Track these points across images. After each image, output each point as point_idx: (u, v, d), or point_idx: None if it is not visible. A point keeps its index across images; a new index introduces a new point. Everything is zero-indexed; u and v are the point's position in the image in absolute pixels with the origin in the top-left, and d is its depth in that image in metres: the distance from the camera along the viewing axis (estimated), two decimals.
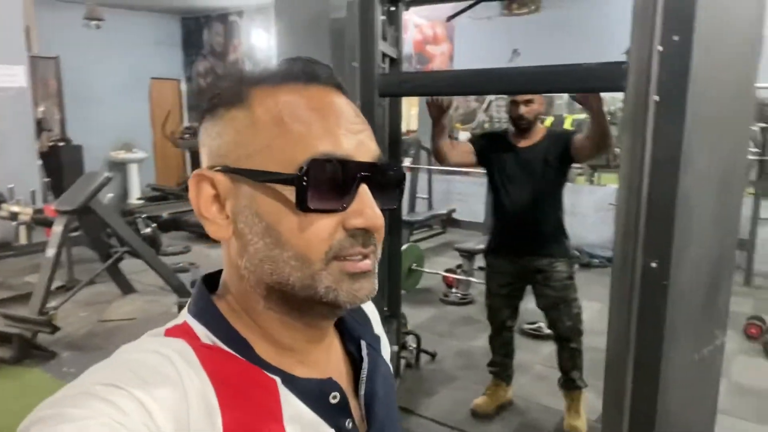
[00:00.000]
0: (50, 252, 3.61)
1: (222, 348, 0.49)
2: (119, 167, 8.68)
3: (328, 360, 0.56)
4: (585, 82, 1.71)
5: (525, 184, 2.53)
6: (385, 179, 0.51)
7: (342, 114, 0.49)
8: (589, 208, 5.91)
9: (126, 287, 4.48)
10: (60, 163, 7.24)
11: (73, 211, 3.74)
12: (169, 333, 0.50)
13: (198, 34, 9.44)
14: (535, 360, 3.42)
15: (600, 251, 5.54)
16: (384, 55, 2.33)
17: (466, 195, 6.59)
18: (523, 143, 2.54)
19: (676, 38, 1.45)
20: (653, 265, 1.56)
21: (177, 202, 7.75)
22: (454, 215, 6.72)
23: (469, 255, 4.41)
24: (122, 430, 0.38)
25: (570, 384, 2.68)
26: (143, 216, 5.37)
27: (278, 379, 0.49)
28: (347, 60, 2.14)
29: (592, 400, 2.86)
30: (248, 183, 0.48)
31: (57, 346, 3.49)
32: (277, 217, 0.48)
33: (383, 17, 2.39)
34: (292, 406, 0.49)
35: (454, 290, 4.45)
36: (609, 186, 6.34)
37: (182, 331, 0.50)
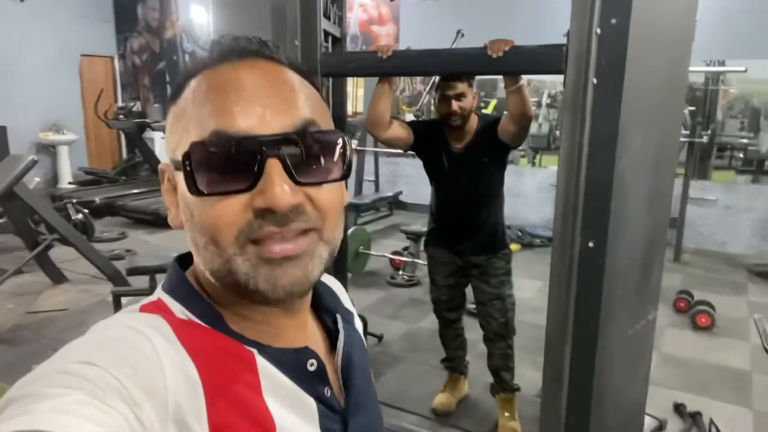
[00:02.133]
0: None
1: (198, 323, 0.49)
2: (48, 150, 8.21)
3: (304, 333, 0.56)
4: (526, 64, 1.72)
5: (459, 187, 2.44)
6: (312, 150, 0.47)
7: (243, 89, 0.46)
8: (531, 189, 6.06)
9: (56, 276, 4.26)
10: None
11: None
12: (144, 309, 0.50)
13: (132, 8, 8.96)
14: (479, 338, 3.49)
15: (541, 231, 5.70)
16: (327, 33, 2.27)
17: (413, 177, 6.63)
18: (457, 144, 2.41)
19: (614, 21, 1.47)
20: (590, 244, 1.60)
21: (112, 186, 7.41)
22: (401, 198, 6.75)
23: (415, 237, 4.44)
24: (99, 406, 0.38)
25: (503, 386, 2.63)
26: (74, 201, 5.10)
27: (255, 351, 0.49)
28: (289, 38, 2.07)
29: (533, 377, 2.96)
30: (176, 173, 0.49)
31: None
32: (190, 204, 0.48)
33: None
34: (270, 376, 0.49)
35: (401, 272, 4.47)
36: (550, 167, 6.52)
37: (157, 308, 0.50)
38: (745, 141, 5.73)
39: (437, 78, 2.47)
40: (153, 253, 4.27)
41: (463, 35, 3.23)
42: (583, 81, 1.52)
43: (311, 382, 0.52)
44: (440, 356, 2.84)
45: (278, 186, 0.44)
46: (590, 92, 1.52)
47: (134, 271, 3.26)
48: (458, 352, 2.77)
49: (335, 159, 0.49)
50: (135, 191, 6.83)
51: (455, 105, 2.29)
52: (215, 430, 0.44)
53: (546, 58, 1.62)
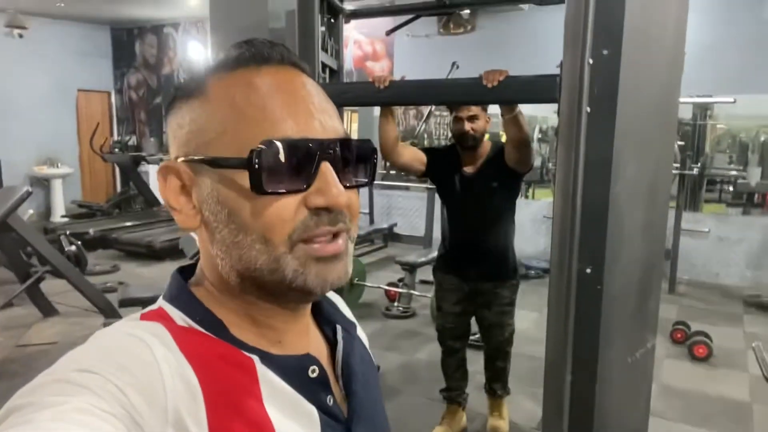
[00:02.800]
0: None
1: (198, 330, 0.49)
2: (42, 183, 8.20)
3: (307, 341, 0.56)
4: (521, 93, 1.76)
5: (471, 212, 2.49)
6: (352, 156, 0.50)
7: (297, 93, 0.49)
8: (525, 220, 6.09)
9: (47, 309, 4.20)
10: None
11: None
12: (144, 317, 0.50)
13: (129, 45, 9.11)
14: (479, 369, 3.45)
15: (536, 262, 5.70)
16: (324, 66, 2.32)
17: (407, 209, 6.65)
18: (469, 168, 2.47)
19: (605, 52, 1.51)
20: (588, 270, 1.60)
21: (105, 219, 7.38)
22: (396, 230, 6.75)
23: (410, 268, 4.42)
24: (99, 414, 0.38)
25: (493, 392, 2.73)
26: (67, 233, 5.08)
27: (256, 358, 0.49)
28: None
29: (531, 408, 2.91)
30: (209, 171, 0.48)
31: None
32: (237, 202, 0.47)
33: (323, 29, 2.38)
34: (270, 383, 0.48)
35: (396, 304, 4.44)
36: (543, 200, 6.57)
37: (158, 316, 0.50)
38: (734, 173, 5.82)
39: (432, 108, 2.52)
40: (146, 285, 4.23)
41: (458, 67, 3.30)
42: (576, 110, 1.55)
43: (313, 389, 0.51)
44: (438, 388, 2.80)
45: (336, 186, 0.47)
46: (584, 120, 1.55)
47: (126, 303, 3.23)
48: (459, 383, 2.74)
49: (367, 165, 0.53)
50: (128, 224, 6.81)
51: (468, 126, 2.37)
52: None
53: (540, 88, 1.65)
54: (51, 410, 0.37)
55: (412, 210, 6.52)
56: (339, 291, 2.29)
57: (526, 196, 6.66)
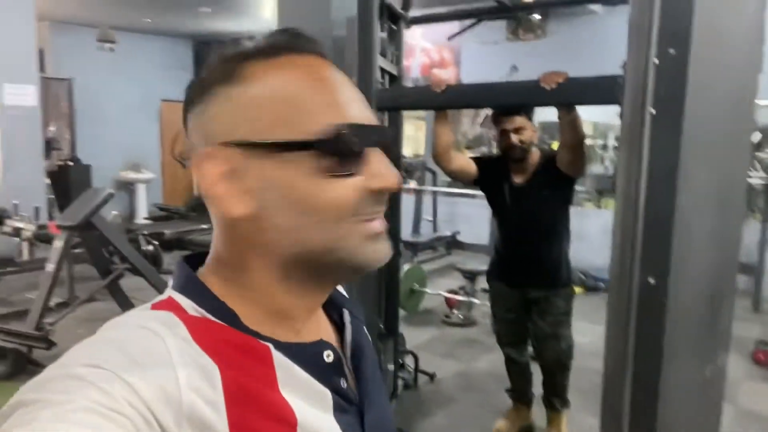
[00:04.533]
0: (50, 267, 3.61)
1: (211, 319, 0.49)
2: (127, 187, 8.75)
3: (318, 327, 0.56)
4: (580, 95, 1.71)
5: (521, 222, 2.45)
6: (385, 143, 0.53)
7: (343, 82, 0.51)
8: (596, 232, 5.85)
9: (126, 304, 4.45)
10: (68, 183, 7.30)
11: (74, 227, 3.75)
12: (155, 307, 0.50)
13: (209, 57, 9.56)
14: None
15: (606, 275, 5.47)
16: (384, 71, 2.34)
17: (471, 217, 6.57)
18: (518, 179, 2.44)
19: (672, 51, 1.44)
20: (651, 281, 1.52)
21: (182, 221, 7.78)
22: (459, 237, 6.69)
23: (471, 276, 4.37)
24: (105, 412, 0.37)
25: (550, 405, 2.65)
26: (145, 233, 5.38)
27: (271, 345, 0.49)
28: (346, 74, 2.15)
29: (594, 425, 2.79)
30: (265, 156, 0.47)
31: (52, 362, 3.38)
32: (301, 185, 0.47)
33: (383, 34, 2.41)
34: (286, 370, 0.49)
35: (456, 312, 4.39)
36: (612, 209, 6.29)
37: (168, 305, 0.49)
38: None
39: (489, 112, 2.48)
40: None
41: (517, 70, 3.23)
42: (640, 112, 1.48)
43: (328, 374, 0.52)
44: (495, 398, 2.79)
45: (392, 170, 0.50)
46: (648, 123, 1.48)
47: None
48: (522, 385, 2.73)
49: (391, 154, 0.55)
50: (203, 226, 7.13)
51: (514, 138, 2.33)
52: (235, 425, 0.44)
53: (600, 89, 1.60)
54: (55, 409, 0.37)
55: (475, 218, 6.43)
56: (396, 296, 2.30)
57: (598, 206, 6.41)
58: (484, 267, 4.41)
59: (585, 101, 1.90)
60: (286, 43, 0.51)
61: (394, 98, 2.09)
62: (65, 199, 6.60)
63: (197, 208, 8.60)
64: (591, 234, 5.83)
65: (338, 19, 2.66)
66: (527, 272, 2.49)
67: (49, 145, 6.96)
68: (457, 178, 2.57)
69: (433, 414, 2.97)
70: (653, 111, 1.47)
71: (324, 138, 0.47)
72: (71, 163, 7.74)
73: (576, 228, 2.53)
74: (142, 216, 8.61)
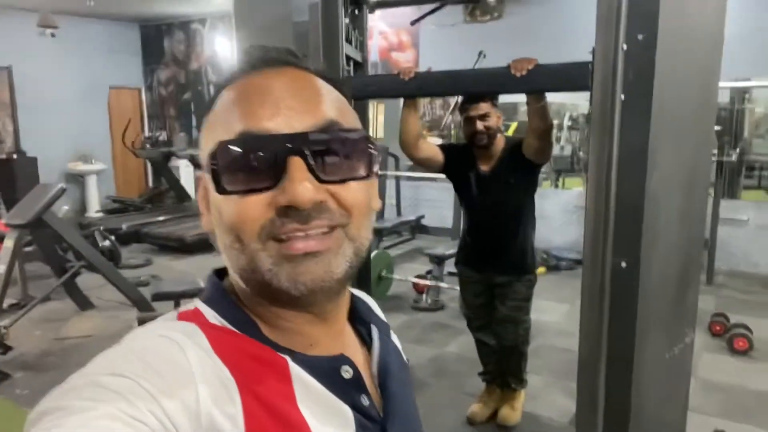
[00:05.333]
0: (0, 268, 3.44)
1: (231, 329, 0.49)
2: (77, 179, 8.40)
3: (340, 343, 0.55)
4: (552, 82, 1.71)
5: (487, 209, 2.48)
6: (332, 148, 0.47)
7: (270, 93, 0.48)
8: (556, 211, 5.98)
9: (83, 303, 4.31)
10: (14, 176, 6.95)
11: (25, 225, 3.58)
12: (181, 317, 0.50)
13: (158, 41, 9.24)
14: None
15: (567, 254, 5.60)
16: (348, 58, 2.29)
17: (435, 201, 6.60)
18: (484, 166, 2.45)
19: (640, 37, 1.45)
20: (623, 264, 1.55)
21: (138, 213, 7.54)
22: (423, 221, 6.72)
23: (438, 260, 4.39)
24: (129, 421, 0.38)
25: (506, 384, 2.70)
26: (101, 228, 5.19)
27: (288, 358, 0.48)
28: (311, 63, 2.09)
29: (564, 403, 2.86)
30: (207, 177, 0.50)
31: (10, 366, 3.31)
32: (217, 204, 0.49)
33: (347, 20, 2.35)
34: (304, 384, 0.48)
35: (424, 296, 4.42)
36: (574, 189, 6.44)
37: (194, 315, 0.50)
38: None
39: (459, 99, 2.47)
40: (178, 278, 4.29)
41: (485, 56, 3.24)
42: (610, 97, 1.49)
43: (347, 390, 0.50)
44: (468, 382, 2.82)
45: (300, 183, 0.45)
46: (618, 108, 1.49)
47: (159, 297, 3.28)
48: (495, 367, 2.76)
49: (359, 157, 0.49)
50: (161, 218, 6.93)
51: (480, 125, 2.33)
52: None
53: (572, 75, 1.60)
54: (80, 416, 0.37)
55: (439, 201, 6.46)
56: (367, 283, 2.26)
57: (556, 186, 6.54)
58: (451, 251, 4.46)
59: (556, 88, 1.90)
60: (244, 63, 0.51)
61: (362, 86, 2.05)
62: (11, 194, 6.29)
63: (153, 200, 8.35)
64: (551, 214, 5.95)
65: (300, 4, 2.58)
66: (494, 259, 2.52)
67: None
68: (425, 166, 2.56)
69: None
70: (623, 96, 1.49)
71: (210, 156, 0.47)
72: (15, 156, 7.38)
73: (536, 208, 2.58)
74: (94, 209, 8.29)
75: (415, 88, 1.88)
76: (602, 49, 1.49)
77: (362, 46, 2.45)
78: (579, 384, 1.68)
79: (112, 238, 4.93)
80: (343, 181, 0.48)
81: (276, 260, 0.46)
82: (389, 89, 2.00)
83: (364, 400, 0.51)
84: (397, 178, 6.68)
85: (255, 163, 0.45)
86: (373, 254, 4.36)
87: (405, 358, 0.65)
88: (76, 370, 0.43)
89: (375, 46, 7.01)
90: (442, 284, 4.36)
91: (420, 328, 4.01)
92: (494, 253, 2.52)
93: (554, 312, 4.16)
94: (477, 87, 1.88)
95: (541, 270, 5.02)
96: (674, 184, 1.58)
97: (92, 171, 8.45)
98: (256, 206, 0.46)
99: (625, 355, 1.58)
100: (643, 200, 1.49)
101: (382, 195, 6.46)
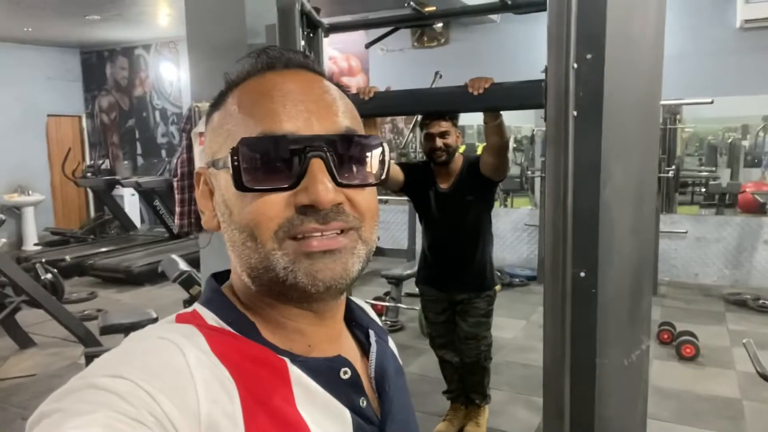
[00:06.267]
0: None
1: (230, 331, 0.49)
2: (13, 212, 7.98)
3: (338, 345, 0.55)
4: (508, 99, 1.77)
5: (447, 226, 2.52)
6: (349, 153, 0.49)
7: (290, 94, 0.49)
8: (507, 229, 6.12)
9: (24, 341, 4.05)
10: None
11: None
12: (179, 319, 0.50)
13: (100, 68, 8.98)
14: None
15: (519, 270, 5.72)
16: None
17: (389, 223, 6.63)
18: (443, 184, 2.50)
19: (589, 56, 1.52)
20: (582, 274, 1.60)
21: (80, 245, 7.21)
22: (378, 244, 6.72)
23: (396, 282, 4.40)
24: (128, 422, 0.38)
25: (470, 401, 2.72)
26: (42, 261, 4.93)
27: (287, 360, 0.48)
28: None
29: (527, 417, 2.89)
30: (216, 175, 0.51)
31: None
32: (231, 201, 0.49)
33: (303, 43, 2.36)
34: (303, 386, 0.48)
35: (383, 318, 4.40)
36: (523, 208, 6.61)
37: (192, 318, 0.50)
38: (705, 175, 5.96)
39: (419, 117, 2.52)
40: (126, 311, 4.11)
41: (441, 76, 3.31)
42: (563, 114, 1.56)
43: (345, 391, 0.51)
44: (432, 402, 2.81)
45: (322, 183, 0.46)
46: (571, 124, 1.55)
47: (108, 330, 3.13)
48: (459, 385, 2.77)
49: (375, 164, 0.51)
50: (104, 249, 6.65)
51: (439, 142, 2.38)
52: None
53: (526, 93, 1.66)
54: (79, 419, 0.37)
55: (393, 223, 6.50)
56: None
57: (505, 205, 6.69)
58: (408, 271, 4.48)
59: (511, 106, 1.97)
60: (258, 63, 0.52)
61: None
62: None
63: (95, 230, 8.01)
64: (502, 232, 6.08)
65: (254, 26, 2.58)
66: (454, 276, 2.55)
67: None
68: (386, 187, 2.58)
69: None
70: (575, 113, 1.55)
71: (232, 153, 0.47)
72: None
73: None
74: (32, 242, 7.87)
75: (375, 107, 1.91)
76: (554, 68, 1.55)
77: (318, 66, 2.47)
78: (545, 394, 1.70)
79: (54, 271, 4.68)
80: (359, 186, 0.49)
81: (293, 258, 0.47)
82: None
83: (362, 402, 0.52)
84: None
85: (277, 162, 0.46)
86: None
87: (401, 362, 0.65)
88: (17, 411, 0.41)
89: (327, 70, 7.06)
90: (401, 305, 4.36)
91: None
92: (454, 270, 2.54)
93: (511, 328, 4.23)
94: (436, 105, 1.92)
95: (496, 287, 5.10)
96: (625, 197, 1.65)
97: (29, 202, 8.04)
98: (275, 205, 0.47)
99: (588, 363, 1.62)
100: (598, 212, 1.55)
101: None
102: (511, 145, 6.55)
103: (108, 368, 0.42)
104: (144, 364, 0.42)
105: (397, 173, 2.53)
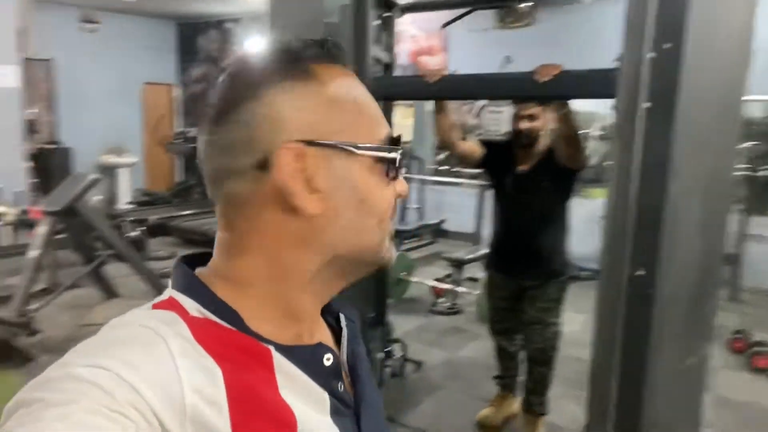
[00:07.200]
0: (33, 253, 3.55)
1: (213, 320, 0.48)
2: (109, 171, 8.61)
3: (318, 331, 0.57)
4: (575, 88, 1.71)
5: (521, 210, 2.49)
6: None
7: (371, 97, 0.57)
8: (579, 221, 5.92)
9: (109, 291, 4.42)
10: (49, 166, 7.16)
11: (58, 213, 3.69)
12: (156, 307, 0.49)
13: (193, 39, 9.43)
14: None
15: (588, 264, 5.54)
16: (377, 60, 2.33)
17: (457, 206, 6.59)
18: (522, 166, 2.46)
19: (667, 46, 1.45)
20: (640, 273, 1.55)
21: (166, 207, 7.69)
22: (444, 226, 6.71)
23: (458, 265, 4.40)
24: (108, 414, 0.37)
25: (528, 407, 2.62)
26: (129, 219, 5.32)
27: (272, 348, 0.49)
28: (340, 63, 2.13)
29: (576, 412, 2.84)
30: (339, 157, 0.50)
31: (35, 349, 3.42)
32: (370, 187, 0.52)
33: (377, 22, 2.39)
34: (286, 373, 0.49)
35: (442, 300, 4.42)
36: (598, 199, 6.36)
37: (170, 305, 0.49)
38: None
39: (486, 103, 2.49)
40: None
41: (511, 61, 3.24)
42: (634, 105, 1.50)
43: (326, 377, 0.52)
44: (480, 387, 2.81)
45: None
46: (641, 116, 1.49)
47: None
48: (510, 372, 2.75)
49: None
50: (187, 212, 7.06)
51: (525, 124, 2.37)
52: (238, 427, 0.44)
53: (596, 83, 1.61)
54: (58, 410, 0.37)
55: (462, 206, 6.45)
56: (386, 284, 2.29)
57: (581, 196, 6.47)
58: (471, 255, 4.46)
59: (579, 95, 1.91)
60: (335, 53, 0.53)
61: (388, 87, 2.08)
62: (46, 183, 6.49)
63: (181, 194, 8.51)
64: (574, 223, 5.90)
65: (330, 5, 2.63)
66: (524, 262, 2.51)
67: (31, 128, 6.81)
68: (466, 160, 2.60)
69: (420, 402, 3.00)
70: (647, 105, 1.49)
71: (388, 145, 0.53)
72: (51, 147, 7.60)
73: None
74: (124, 201, 8.48)
75: (438, 90, 1.91)
76: (628, 57, 1.49)
77: (391, 49, 2.49)
78: (590, 392, 1.68)
79: (141, 229, 5.04)
80: None
81: (387, 239, 0.55)
82: (413, 91, 2.04)
83: (340, 387, 0.53)
84: (421, 182, 6.70)
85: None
86: None
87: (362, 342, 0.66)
88: None
89: (406, 50, 7.04)
90: (461, 289, 4.36)
91: (436, 331, 4.01)
92: (525, 257, 2.50)
93: (572, 322, 4.12)
94: (500, 91, 1.90)
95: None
96: (695, 195, 1.57)
97: (124, 164, 8.64)
98: (392, 193, 0.54)
99: (638, 365, 1.57)
100: (663, 210, 1.49)
101: (404, 198, 6.48)
102: (598, 133, 6.30)
103: (88, 357, 0.41)
104: (125, 353, 0.41)
105: (474, 150, 2.53)
